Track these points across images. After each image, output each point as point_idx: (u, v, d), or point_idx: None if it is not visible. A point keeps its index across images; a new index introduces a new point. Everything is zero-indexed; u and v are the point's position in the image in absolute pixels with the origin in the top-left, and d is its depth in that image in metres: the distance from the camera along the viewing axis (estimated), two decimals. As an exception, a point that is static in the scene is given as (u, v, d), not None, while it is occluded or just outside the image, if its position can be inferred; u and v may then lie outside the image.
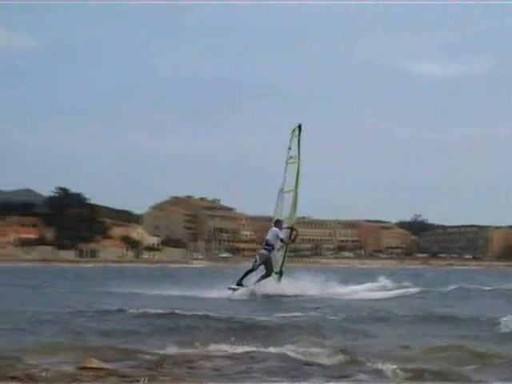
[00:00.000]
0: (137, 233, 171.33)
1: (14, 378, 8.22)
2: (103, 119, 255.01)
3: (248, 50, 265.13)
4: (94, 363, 8.88)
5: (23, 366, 8.95)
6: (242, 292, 22.03)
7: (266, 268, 22.67)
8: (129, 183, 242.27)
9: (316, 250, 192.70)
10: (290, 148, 24.52)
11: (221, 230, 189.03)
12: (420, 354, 10.20)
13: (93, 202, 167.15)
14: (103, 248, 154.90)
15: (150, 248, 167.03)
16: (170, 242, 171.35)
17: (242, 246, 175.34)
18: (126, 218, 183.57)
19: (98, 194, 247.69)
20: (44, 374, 8.44)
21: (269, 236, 23.13)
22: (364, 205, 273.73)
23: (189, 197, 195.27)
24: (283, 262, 23.15)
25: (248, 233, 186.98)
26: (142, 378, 8.24)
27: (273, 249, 22.83)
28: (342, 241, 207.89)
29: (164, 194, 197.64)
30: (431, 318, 15.12)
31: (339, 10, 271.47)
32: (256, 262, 22.85)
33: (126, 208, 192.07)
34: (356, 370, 9.00)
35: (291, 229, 23.60)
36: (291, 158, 24.38)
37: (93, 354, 9.57)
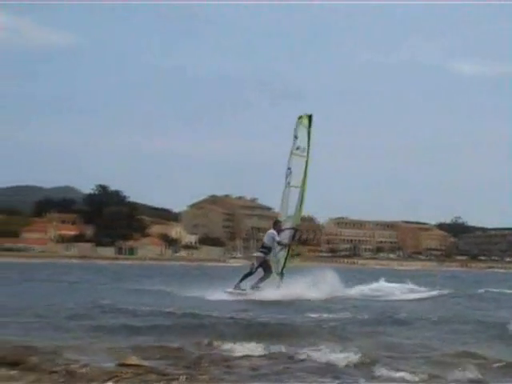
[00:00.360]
0: (175, 231, 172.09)
1: (54, 373, 8.33)
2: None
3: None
4: (134, 360, 8.94)
5: (63, 361, 9.06)
6: (232, 294, 21.42)
7: (264, 271, 22.30)
8: (167, 182, 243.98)
9: (354, 251, 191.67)
10: (296, 137, 23.05)
11: (258, 229, 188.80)
12: (437, 357, 10.18)
13: (132, 200, 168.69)
14: (142, 246, 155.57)
15: (188, 246, 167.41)
16: (208, 241, 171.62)
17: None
18: (165, 216, 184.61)
19: (136, 192, 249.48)
20: (84, 370, 8.53)
21: (265, 238, 22.70)
22: (403, 206, 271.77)
23: (227, 196, 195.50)
24: (285, 263, 22.51)
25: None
26: (181, 376, 8.28)
27: (269, 251, 22.36)
28: (381, 242, 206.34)
29: (201, 193, 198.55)
30: (453, 320, 15.00)
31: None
32: (253, 265, 22.44)
33: (164, 206, 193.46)
34: (374, 371, 9.06)
35: (295, 230, 22.96)
36: (298, 149, 22.96)
37: (130, 352, 9.65)
